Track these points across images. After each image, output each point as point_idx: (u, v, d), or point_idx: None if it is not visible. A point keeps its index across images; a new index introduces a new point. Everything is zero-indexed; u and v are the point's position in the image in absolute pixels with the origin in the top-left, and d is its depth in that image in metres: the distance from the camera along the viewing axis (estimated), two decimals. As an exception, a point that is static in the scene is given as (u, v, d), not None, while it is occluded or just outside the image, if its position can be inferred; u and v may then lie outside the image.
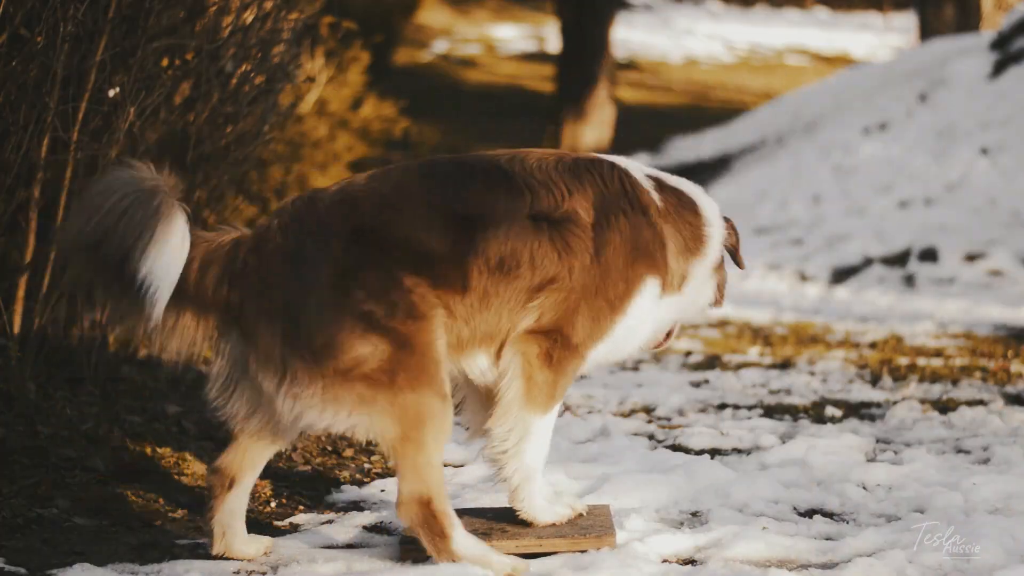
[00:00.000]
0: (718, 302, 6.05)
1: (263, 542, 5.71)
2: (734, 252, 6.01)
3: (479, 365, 5.63)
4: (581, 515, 5.88)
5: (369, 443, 7.87)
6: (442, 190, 5.49)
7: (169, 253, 5.30)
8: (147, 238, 5.28)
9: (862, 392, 9.32)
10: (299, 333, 5.24)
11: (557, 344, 5.56)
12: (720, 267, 5.97)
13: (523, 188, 5.53)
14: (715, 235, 5.87)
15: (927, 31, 31.06)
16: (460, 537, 5.35)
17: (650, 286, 5.68)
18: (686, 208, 5.82)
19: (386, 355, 5.23)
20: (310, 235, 5.32)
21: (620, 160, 5.84)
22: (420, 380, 5.26)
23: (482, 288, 5.44)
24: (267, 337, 5.32)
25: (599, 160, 5.79)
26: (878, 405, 8.83)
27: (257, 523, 6.28)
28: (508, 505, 5.89)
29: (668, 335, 6.05)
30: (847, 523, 6.21)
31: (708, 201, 5.94)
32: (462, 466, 7.28)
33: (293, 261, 5.29)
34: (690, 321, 6.01)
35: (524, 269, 5.48)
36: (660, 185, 5.80)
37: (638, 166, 5.84)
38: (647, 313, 5.72)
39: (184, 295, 5.43)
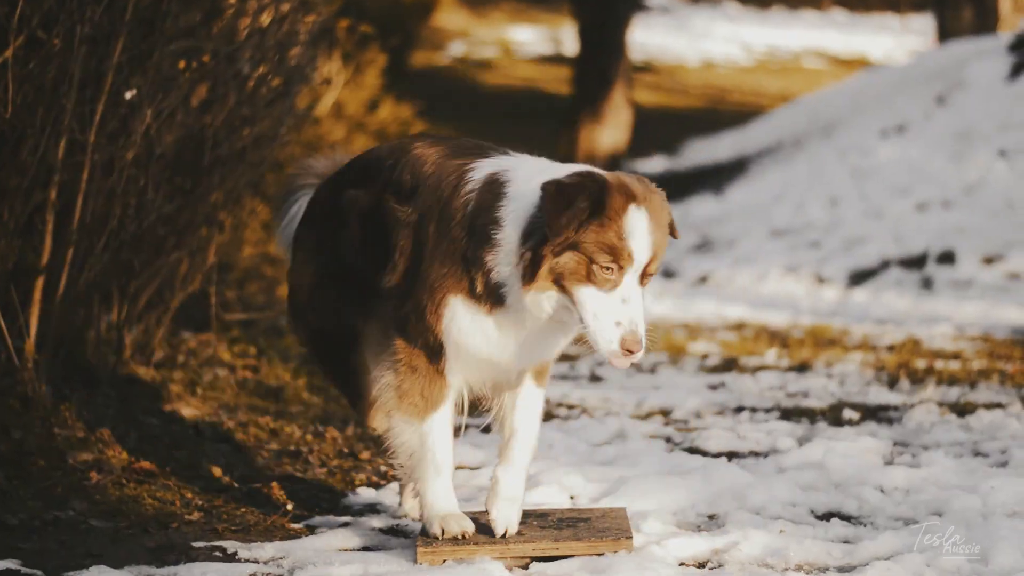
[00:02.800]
0: (525, 275, 5.22)
1: None
2: (545, 210, 5.19)
3: None
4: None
5: (386, 445, 7.90)
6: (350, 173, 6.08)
7: None
8: None
9: (880, 395, 9.30)
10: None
11: (410, 353, 5.71)
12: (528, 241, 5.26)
13: (385, 174, 5.76)
14: (508, 217, 5.32)
15: (945, 33, 30.98)
16: None
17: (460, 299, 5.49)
18: (488, 204, 5.37)
19: None
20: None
21: (498, 160, 5.54)
22: None
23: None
24: None
25: (459, 162, 5.58)
26: (896, 408, 8.81)
27: (273, 526, 6.28)
28: (523, 508, 5.88)
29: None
30: (864, 526, 6.20)
31: (525, 183, 5.33)
32: (478, 468, 7.27)
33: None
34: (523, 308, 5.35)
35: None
36: (487, 183, 5.42)
37: (510, 160, 5.54)
38: (467, 326, 5.50)
39: None
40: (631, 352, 5.13)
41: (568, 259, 5.16)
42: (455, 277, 5.41)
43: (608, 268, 5.14)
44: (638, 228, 5.15)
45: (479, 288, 5.35)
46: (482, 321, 5.43)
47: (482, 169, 5.46)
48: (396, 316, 5.64)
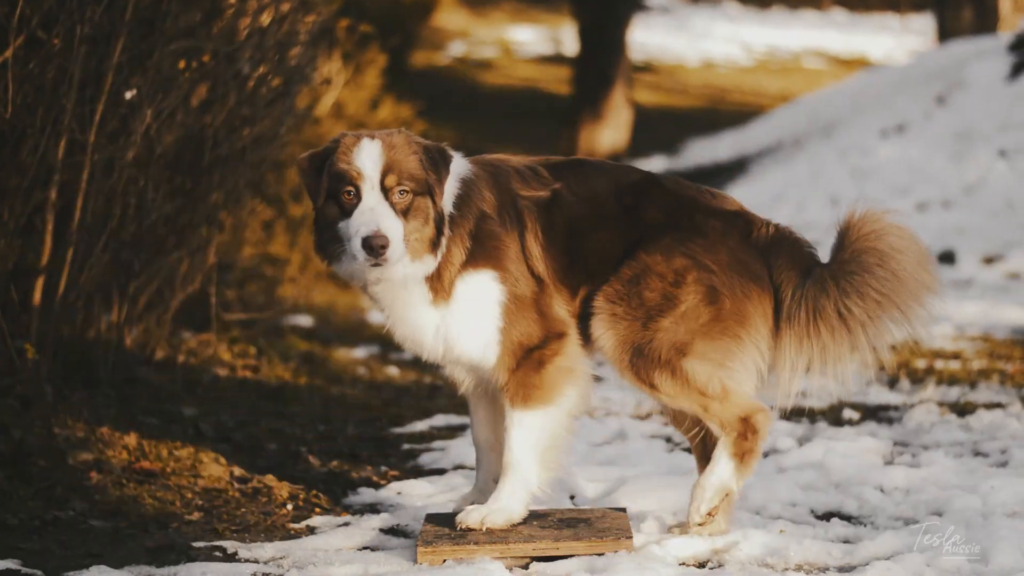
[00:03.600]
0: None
1: None
2: None
3: None
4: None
5: (387, 445, 7.89)
6: None
7: None
8: None
9: (880, 395, 9.29)
10: None
11: None
12: None
13: None
14: None
15: (945, 33, 30.99)
16: None
17: None
18: None
19: None
20: None
21: None
22: None
23: None
24: None
25: None
26: (896, 408, 8.80)
27: (273, 525, 6.28)
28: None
29: None
30: (865, 526, 6.19)
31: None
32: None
33: None
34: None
35: None
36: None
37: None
38: None
39: None
40: (377, 248, 5.47)
41: (328, 208, 5.64)
42: None
43: (348, 191, 5.59)
44: (364, 152, 5.62)
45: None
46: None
47: None
48: None
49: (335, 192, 5.58)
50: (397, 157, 5.61)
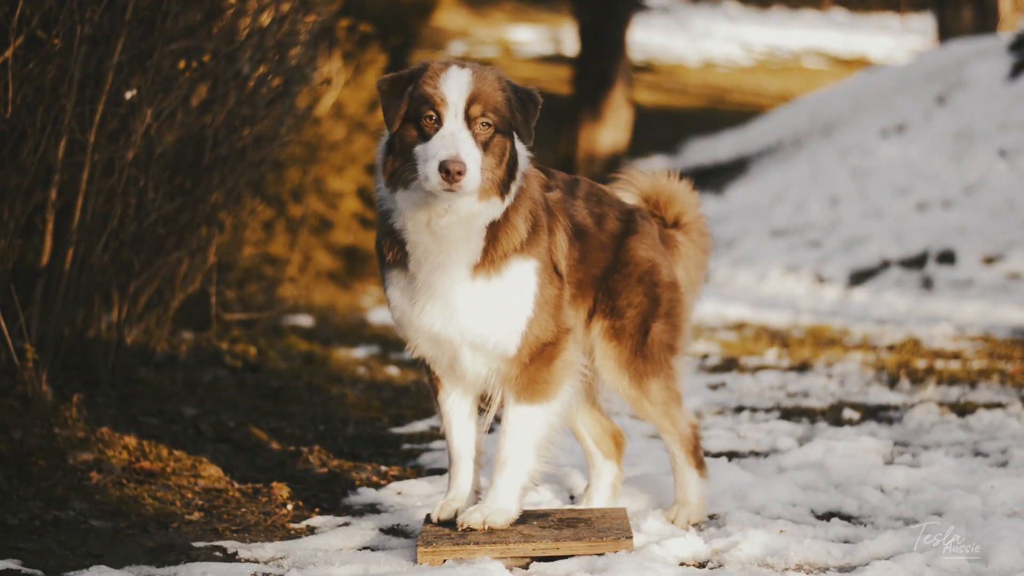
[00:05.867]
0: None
1: None
2: None
3: None
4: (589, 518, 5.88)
5: (387, 445, 7.90)
6: None
7: None
8: None
9: (880, 395, 9.29)
10: None
11: None
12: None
13: None
14: None
15: (945, 33, 30.99)
16: None
17: None
18: None
19: None
20: None
21: None
22: None
23: None
24: None
25: None
26: (896, 408, 8.80)
27: (273, 525, 6.28)
28: (523, 508, 5.89)
29: None
30: (865, 526, 6.19)
31: None
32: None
33: None
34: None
35: None
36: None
37: None
38: None
39: None
40: (453, 173, 5.36)
41: (405, 131, 5.55)
42: None
43: (429, 115, 5.49)
44: (452, 79, 5.53)
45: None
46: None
47: None
48: None
49: (416, 115, 5.49)
50: (485, 89, 5.54)
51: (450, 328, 5.67)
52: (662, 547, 5.72)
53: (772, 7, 50.95)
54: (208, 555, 5.77)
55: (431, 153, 5.39)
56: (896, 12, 50.33)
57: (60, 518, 6.13)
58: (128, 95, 7.41)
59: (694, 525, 6.17)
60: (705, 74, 41.80)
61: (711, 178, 26.25)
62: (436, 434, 8.22)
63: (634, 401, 6.17)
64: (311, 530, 6.22)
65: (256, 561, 5.71)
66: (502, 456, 5.80)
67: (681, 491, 6.29)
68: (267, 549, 5.84)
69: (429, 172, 5.35)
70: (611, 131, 30.64)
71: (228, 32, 8.23)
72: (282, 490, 6.77)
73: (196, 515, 6.37)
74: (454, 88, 5.50)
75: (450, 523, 5.81)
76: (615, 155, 30.02)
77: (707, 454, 7.58)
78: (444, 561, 5.55)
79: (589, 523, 5.85)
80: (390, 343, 11.77)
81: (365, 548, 5.92)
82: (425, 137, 5.46)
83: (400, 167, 5.51)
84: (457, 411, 5.96)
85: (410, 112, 5.51)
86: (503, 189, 5.54)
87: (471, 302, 5.63)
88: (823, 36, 46.69)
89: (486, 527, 5.70)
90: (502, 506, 5.76)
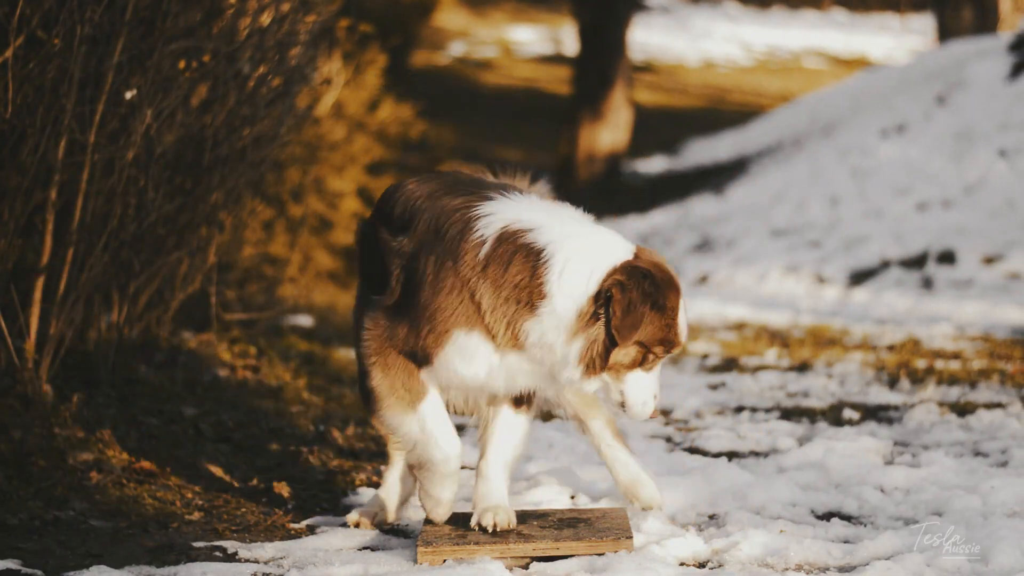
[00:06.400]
0: (588, 370, 5.51)
1: None
2: (607, 320, 5.44)
3: None
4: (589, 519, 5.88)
5: (387, 445, 7.90)
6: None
7: None
8: None
9: (880, 395, 9.29)
10: None
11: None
12: (583, 331, 5.45)
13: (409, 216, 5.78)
14: (558, 295, 5.43)
15: (945, 33, 30.98)
16: None
17: (461, 334, 5.58)
18: (518, 262, 5.49)
19: None
20: None
21: (500, 204, 5.65)
22: None
23: None
24: None
25: (459, 203, 5.69)
26: (896, 408, 8.80)
27: (273, 525, 6.28)
28: (523, 508, 5.89)
29: (622, 404, 5.69)
30: (865, 526, 6.19)
31: (569, 257, 5.47)
32: (479, 468, 7.26)
33: None
34: (576, 385, 5.62)
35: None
36: (504, 235, 5.53)
37: (515, 212, 5.60)
38: (468, 358, 5.64)
39: None
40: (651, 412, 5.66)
41: (627, 353, 5.50)
42: (465, 315, 5.57)
43: (659, 356, 5.58)
44: (682, 316, 5.56)
45: (501, 335, 5.55)
46: (489, 356, 5.62)
47: (493, 215, 5.61)
48: (391, 330, 5.74)
49: (646, 346, 5.48)
50: None
51: (513, 390, 5.84)
52: (662, 547, 5.72)
53: (772, 7, 50.95)
54: (208, 555, 5.77)
55: (645, 389, 5.59)
56: (896, 12, 50.34)
57: (60, 518, 6.13)
58: (128, 95, 7.41)
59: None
60: (705, 74, 41.81)
61: (711, 178, 26.26)
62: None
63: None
64: (311, 530, 6.22)
65: (256, 561, 5.72)
66: (508, 458, 5.86)
67: (625, 471, 6.31)
68: (267, 549, 5.84)
69: (638, 407, 5.61)
70: (611, 131, 30.64)
71: (228, 32, 8.22)
72: (282, 490, 6.77)
73: (196, 515, 6.37)
74: (684, 328, 5.60)
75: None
76: (615, 155, 30.03)
77: (707, 454, 7.59)
78: (444, 561, 5.56)
79: (589, 523, 5.85)
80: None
81: (365, 548, 5.92)
82: (643, 366, 5.56)
83: (598, 372, 5.50)
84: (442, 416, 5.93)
85: (640, 339, 5.47)
86: None
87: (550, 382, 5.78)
88: (823, 36, 46.70)
89: (496, 527, 5.72)
90: (506, 505, 5.82)
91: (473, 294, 5.52)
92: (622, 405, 5.62)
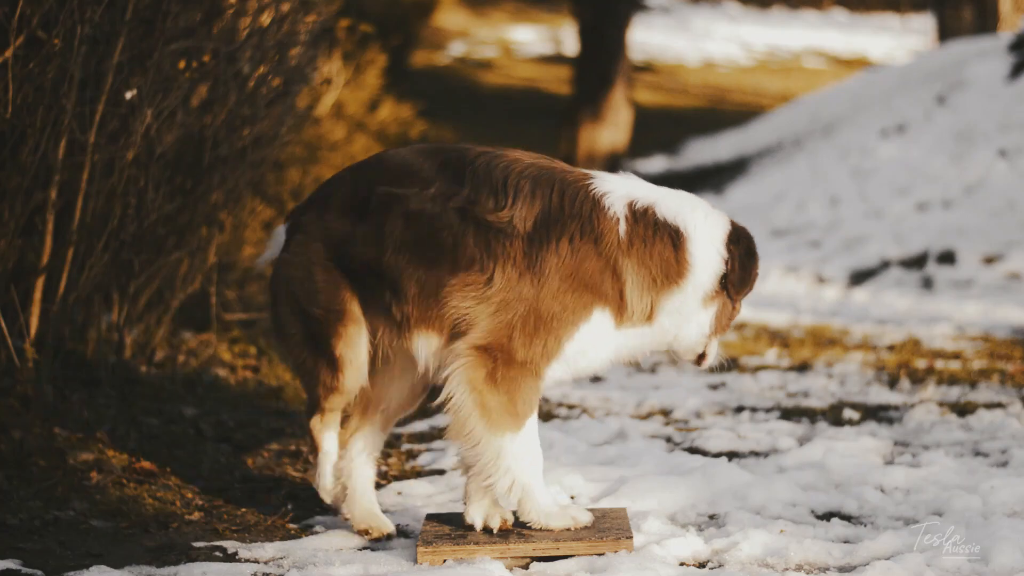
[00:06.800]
0: (716, 331, 5.79)
1: None
2: (728, 283, 5.72)
3: (424, 349, 5.75)
4: (587, 525, 5.84)
5: (387, 445, 7.89)
6: (378, 172, 5.79)
7: None
8: None
9: (880, 395, 9.29)
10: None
11: (500, 363, 5.54)
12: (715, 297, 5.71)
13: (465, 181, 5.60)
14: (699, 266, 5.64)
15: (945, 33, 30.98)
16: None
17: (597, 316, 5.59)
18: (660, 239, 5.60)
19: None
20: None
21: (609, 180, 5.69)
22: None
23: (398, 267, 5.63)
24: None
25: (573, 178, 5.66)
26: (896, 408, 8.80)
27: (274, 525, 6.28)
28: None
29: (703, 356, 5.90)
30: (865, 526, 6.20)
31: (701, 230, 5.67)
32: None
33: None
34: (691, 347, 5.84)
35: (444, 258, 5.57)
36: (637, 212, 5.60)
37: (628, 189, 5.67)
38: (598, 340, 5.65)
39: None
40: None
41: (737, 310, 5.87)
42: (606, 294, 5.58)
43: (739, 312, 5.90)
44: None
45: (636, 311, 5.63)
46: (614, 334, 5.68)
47: (614, 192, 5.66)
48: (492, 321, 5.57)
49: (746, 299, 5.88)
50: None
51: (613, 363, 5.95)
52: (662, 547, 5.72)
53: (772, 7, 50.94)
54: (208, 555, 5.77)
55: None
56: (896, 12, 50.33)
57: (60, 518, 6.13)
58: (128, 95, 7.41)
59: None
60: (705, 74, 41.79)
61: (711, 178, 26.24)
62: (436, 434, 8.21)
63: None
64: (311, 530, 6.22)
65: (256, 561, 5.72)
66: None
67: None
68: (267, 549, 5.85)
69: (715, 354, 5.91)
70: (611, 131, 30.63)
71: (228, 32, 8.23)
72: (282, 490, 6.77)
73: (196, 515, 6.37)
74: None
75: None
76: (615, 155, 30.00)
77: (707, 454, 7.59)
78: (444, 561, 5.56)
79: (588, 523, 5.84)
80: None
81: (365, 548, 5.92)
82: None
83: (724, 332, 5.85)
84: None
85: (748, 296, 5.89)
86: None
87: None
88: (823, 36, 46.68)
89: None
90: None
91: (616, 272, 5.56)
92: (701, 358, 5.89)
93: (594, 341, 5.62)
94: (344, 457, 6.11)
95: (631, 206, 5.60)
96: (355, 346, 5.85)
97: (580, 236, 5.53)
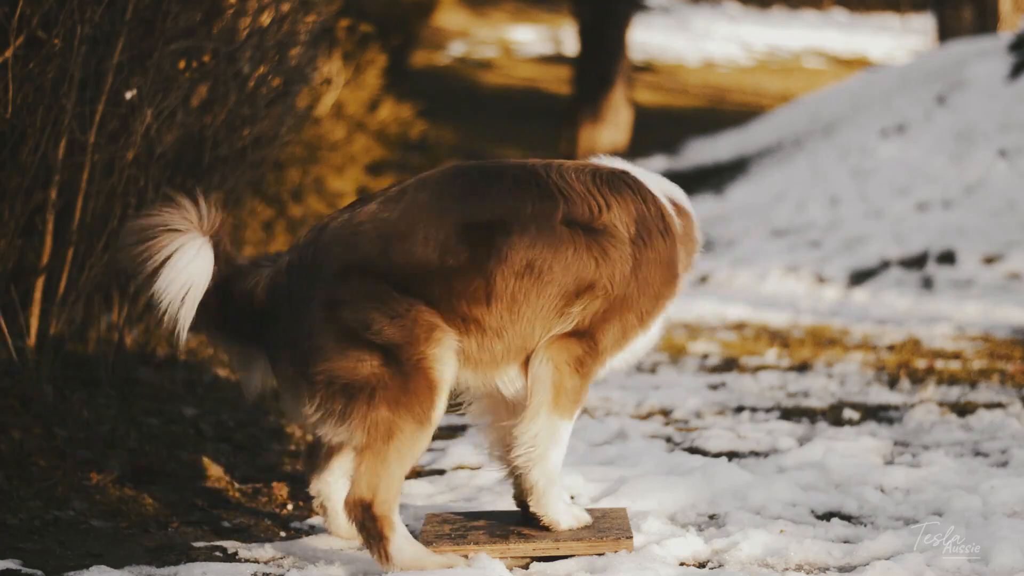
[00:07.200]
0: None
1: None
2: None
3: (511, 377, 5.71)
4: (587, 525, 5.85)
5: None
6: (460, 202, 5.55)
7: (178, 273, 5.49)
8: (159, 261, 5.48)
9: (880, 395, 9.29)
10: (301, 358, 5.42)
11: (587, 351, 5.63)
12: None
13: (555, 194, 5.60)
14: (699, 240, 6.06)
15: (945, 33, 31.00)
16: (399, 540, 5.42)
17: (669, 305, 5.83)
18: (690, 228, 5.95)
19: (370, 375, 5.38)
20: (304, 276, 5.48)
21: (641, 174, 5.88)
22: (399, 401, 5.38)
23: (510, 296, 5.50)
24: (282, 365, 5.53)
25: (631, 176, 5.83)
26: (896, 408, 8.80)
27: (275, 525, 6.28)
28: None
29: None
30: (865, 526, 6.19)
31: (694, 212, 6.06)
32: (478, 468, 7.27)
33: (291, 302, 5.47)
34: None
35: (557, 274, 5.52)
36: (670, 200, 5.88)
37: (647, 176, 5.90)
38: (660, 327, 5.87)
39: (222, 326, 5.68)
40: None
41: None
42: (674, 284, 5.84)
43: None
44: None
45: (677, 290, 5.88)
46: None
47: (649, 182, 5.90)
48: (597, 318, 5.66)
49: None
50: None
51: None
52: (662, 547, 5.72)
53: (772, 7, 50.96)
54: (208, 555, 5.77)
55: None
56: (896, 12, 50.34)
57: (60, 518, 6.13)
58: (128, 95, 7.40)
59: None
60: (705, 74, 41.80)
61: (711, 178, 26.25)
62: (436, 434, 8.19)
63: None
64: (311, 530, 6.22)
65: (256, 561, 5.72)
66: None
67: None
68: (267, 549, 5.85)
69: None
70: (611, 131, 30.66)
71: (228, 32, 8.22)
72: (282, 490, 6.77)
73: (196, 515, 6.37)
74: None
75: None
76: (614, 155, 30.01)
77: (707, 454, 7.59)
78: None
79: (589, 523, 5.85)
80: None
81: (365, 548, 5.91)
82: None
83: None
84: None
85: None
86: None
87: None
88: (823, 36, 46.71)
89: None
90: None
91: (676, 260, 5.80)
92: None
93: (658, 329, 5.90)
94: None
95: (665, 195, 5.87)
96: None
97: (660, 232, 5.73)
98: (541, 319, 5.56)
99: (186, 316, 5.50)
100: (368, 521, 5.41)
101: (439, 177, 5.65)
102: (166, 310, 5.48)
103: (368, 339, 5.35)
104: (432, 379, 5.41)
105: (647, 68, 40.91)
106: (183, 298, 5.48)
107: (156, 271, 5.45)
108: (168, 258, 5.46)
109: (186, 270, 5.48)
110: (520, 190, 5.59)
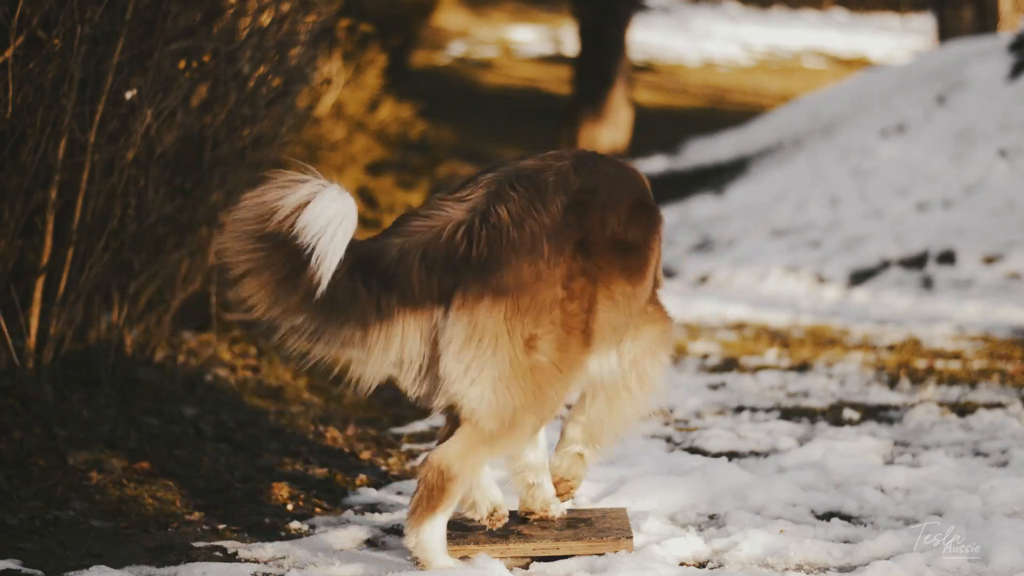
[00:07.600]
0: None
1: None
2: None
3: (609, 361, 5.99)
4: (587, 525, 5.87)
5: (387, 445, 7.89)
6: (633, 189, 5.75)
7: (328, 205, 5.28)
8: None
9: (880, 395, 9.29)
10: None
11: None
12: None
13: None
14: None
15: (945, 33, 30.97)
16: (438, 523, 5.39)
17: None
18: None
19: (558, 344, 5.44)
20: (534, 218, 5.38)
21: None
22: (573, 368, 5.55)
23: (646, 282, 5.78)
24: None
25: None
26: (896, 408, 8.80)
27: (274, 525, 6.28)
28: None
29: None
30: (865, 526, 6.20)
31: None
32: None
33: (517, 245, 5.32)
34: None
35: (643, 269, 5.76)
36: None
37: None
38: None
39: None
40: None
41: None
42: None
43: None
44: None
45: None
46: None
47: None
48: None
49: None
50: None
51: None
52: (662, 547, 5.73)
53: (772, 7, 50.94)
54: (208, 555, 5.77)
55: None
56: (896, 12, 50.32)
57: (60, 518, 6.13)
58: (128, 95, 7.41)
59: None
60: (705, 74, 41.79)
61: (711, 178, 26.23)
62: (436, 434, 8.21)
63: None
64: (311, 530, 6.22)
65: (256, 561, 5.72)
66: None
67: None
68: (267, 549, 5.85)
69: None
70: (611, 131, 30.64)
71: (228, 32, 8.22)
72: (282, 490, 6.77)
73: (196, 515, 6.37)
74: None
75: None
76: (615, 155, 30.02)
77: (707, 454, 7.59)
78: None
79: (589, 523, 5.85)
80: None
81: (365, 548, 5.92)
82: None
83: None
84: None
85: None
86: None
87: None
88: (823, 36, 46.67)
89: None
90: None
91: None
92: None
93: None
94: None
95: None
96: None
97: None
98: (637, 308, 5.84)
99: (336, 251, 5.19)
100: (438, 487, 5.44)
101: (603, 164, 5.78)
102: (312, 246, 5.15)
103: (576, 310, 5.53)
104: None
105: (647, 68, 40.89)
106: (336, 229, 5.20)
107: (300, 208, 5.22)
108: (315, 195, 5.28)
109: (337, 202, 5.27)
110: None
